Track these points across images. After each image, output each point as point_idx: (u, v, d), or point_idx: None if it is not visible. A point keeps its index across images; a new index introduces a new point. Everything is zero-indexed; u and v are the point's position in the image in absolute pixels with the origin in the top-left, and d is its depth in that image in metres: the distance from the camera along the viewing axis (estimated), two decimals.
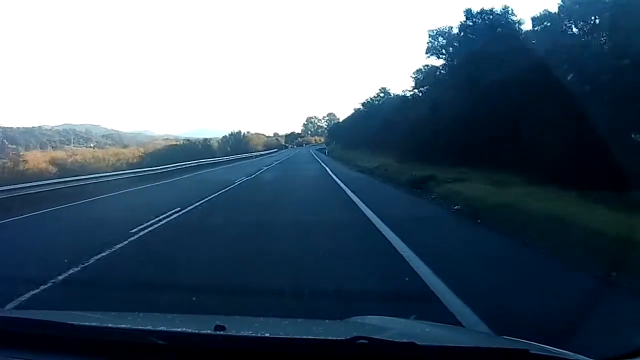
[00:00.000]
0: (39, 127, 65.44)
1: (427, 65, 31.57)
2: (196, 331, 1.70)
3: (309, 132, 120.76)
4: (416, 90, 33.29)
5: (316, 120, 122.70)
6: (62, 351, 1.67)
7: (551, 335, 2.51)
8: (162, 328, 1.74)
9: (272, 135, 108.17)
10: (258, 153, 59.31)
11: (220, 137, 64.47)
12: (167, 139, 61.94)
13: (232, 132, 66.47)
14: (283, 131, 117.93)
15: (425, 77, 31.38)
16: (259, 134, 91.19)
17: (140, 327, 1.78)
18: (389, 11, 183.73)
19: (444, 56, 28.53)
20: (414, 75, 34.03)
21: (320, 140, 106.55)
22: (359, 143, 43.74)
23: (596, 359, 1.53)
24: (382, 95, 52.78)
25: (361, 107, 57.96)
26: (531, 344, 1.54)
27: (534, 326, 2.91)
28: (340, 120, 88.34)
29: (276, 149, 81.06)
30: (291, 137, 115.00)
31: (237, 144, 60.83)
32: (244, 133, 69.33)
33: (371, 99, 54.49)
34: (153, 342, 1.58)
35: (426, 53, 28.88)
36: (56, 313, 2.18)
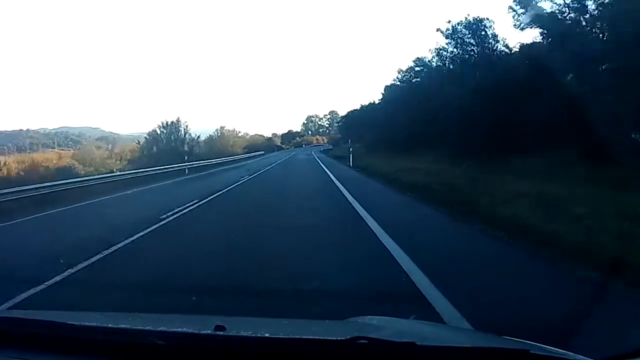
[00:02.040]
0: (27, 129, 63.86)
1: None
2: (196, 331, 1.70)
3: (310, 132, 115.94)
4: None
5: (317, 119, 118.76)
6: (62, 351, 1.67)
7: None
8: (162, 328, 1.73)
9: (270, 135, 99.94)
10: (199, 163, 30.81)
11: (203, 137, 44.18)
12: None
13: (165, 124, 38.55)
14: (282, 131, 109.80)
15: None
16: (237, 132, 66.62)
17: (140, 327, 1.78)
18: (391, 4, 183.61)
19: None
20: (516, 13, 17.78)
21: (323, 140, 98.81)
22: (410, 143, 26.40)
23: (596, 359, 1.53)
24: (420, 67, 30.48)
25: (406, 77, 33.69)
26: (532, 344, 1.54)
27: None
28: (347, 112, 68.41)
29: (262, 152, 60.66)
30: (288, 136, 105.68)
31: (175, 145, 36.96)
32: (187, 126, 39.49)
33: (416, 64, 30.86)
34: (153, 342, 1.58)
35: None
36: (56, 313, 2.18)
